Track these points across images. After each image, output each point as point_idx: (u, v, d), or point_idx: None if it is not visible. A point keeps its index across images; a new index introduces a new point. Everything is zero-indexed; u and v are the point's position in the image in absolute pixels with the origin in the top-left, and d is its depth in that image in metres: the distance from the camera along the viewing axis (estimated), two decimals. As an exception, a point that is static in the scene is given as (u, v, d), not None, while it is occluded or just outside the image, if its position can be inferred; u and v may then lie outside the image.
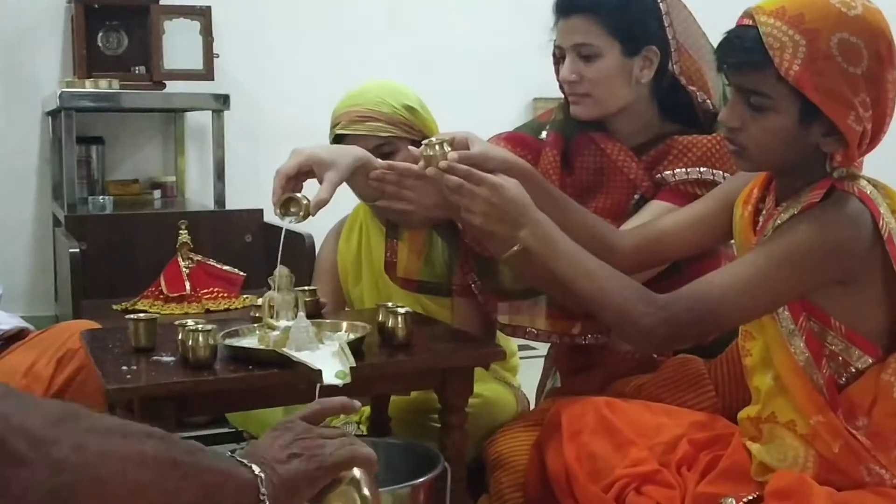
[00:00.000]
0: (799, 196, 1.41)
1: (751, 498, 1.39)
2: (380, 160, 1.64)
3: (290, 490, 1.02)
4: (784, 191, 1.46)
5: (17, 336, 2.42)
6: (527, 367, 2.26)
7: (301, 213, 1.53)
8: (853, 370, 1.40)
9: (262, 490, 0.98)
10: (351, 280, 2.18)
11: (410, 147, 1.92)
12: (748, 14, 1.40)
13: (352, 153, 1.62)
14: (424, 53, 4.02)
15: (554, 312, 1.73)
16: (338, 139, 2.01)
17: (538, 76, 4.35)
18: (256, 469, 1.00)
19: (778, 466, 1.42)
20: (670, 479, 1.47)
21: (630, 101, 1.80)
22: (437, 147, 1.54)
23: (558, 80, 1.83)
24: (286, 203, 1.54)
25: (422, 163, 1.55)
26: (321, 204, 1.54)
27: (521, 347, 2.26)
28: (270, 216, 3.11)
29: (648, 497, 1.44)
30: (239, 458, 1.01)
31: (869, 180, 1.42)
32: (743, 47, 1.37)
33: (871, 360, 1.40)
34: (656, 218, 1.71)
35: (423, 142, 1.57)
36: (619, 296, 1.44)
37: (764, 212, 1.50)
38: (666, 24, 1.77)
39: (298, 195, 1.54)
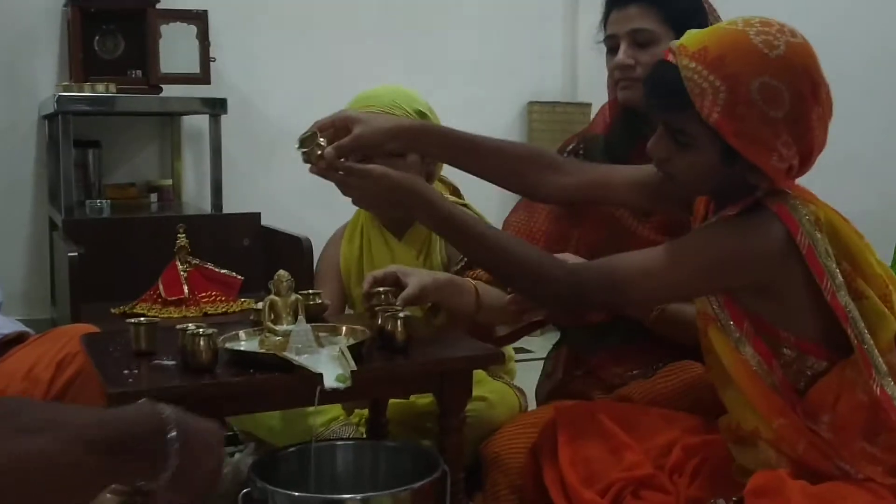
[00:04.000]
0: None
1: (736, 499, 1.40)
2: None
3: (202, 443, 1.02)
4: (720, 208, 1.48)
5: (16, 340, 2.43)
6: (523, 370, 2.27)
7: (314, 155, 1.52)
8: (809, 374, 1.41)
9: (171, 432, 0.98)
10: (353, 281, 2.19)
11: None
12: (672, 51, 1.40)
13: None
14: (420, 57, 4.03)
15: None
16: None
17: (533, 80, 4.42)
18: (167, 411, 0.99)
19: (755, 469, 1.43)
20: (666, 484, 1.48)
21: None
22: (308, 141, 1.51)
23: (608, 69, 1.86)
24: (310, 137, 1.52)
25: (303, 158, 1.54)
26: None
27: (518, 350, 2.27)
28: (267, 220, 3.12)
29: (646, 502, 1.45)
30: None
31: (798, 196, 1.41)
32: (666, 88, 1.39)
33: (826, 364, 1.40)
34: (609, 168, 1.73)
35: (299, 137, 1.55)
36: (533, 260, 1.48)
37: None
38: (710, 21, 1.79)
39: (322, 140, 1.52)
